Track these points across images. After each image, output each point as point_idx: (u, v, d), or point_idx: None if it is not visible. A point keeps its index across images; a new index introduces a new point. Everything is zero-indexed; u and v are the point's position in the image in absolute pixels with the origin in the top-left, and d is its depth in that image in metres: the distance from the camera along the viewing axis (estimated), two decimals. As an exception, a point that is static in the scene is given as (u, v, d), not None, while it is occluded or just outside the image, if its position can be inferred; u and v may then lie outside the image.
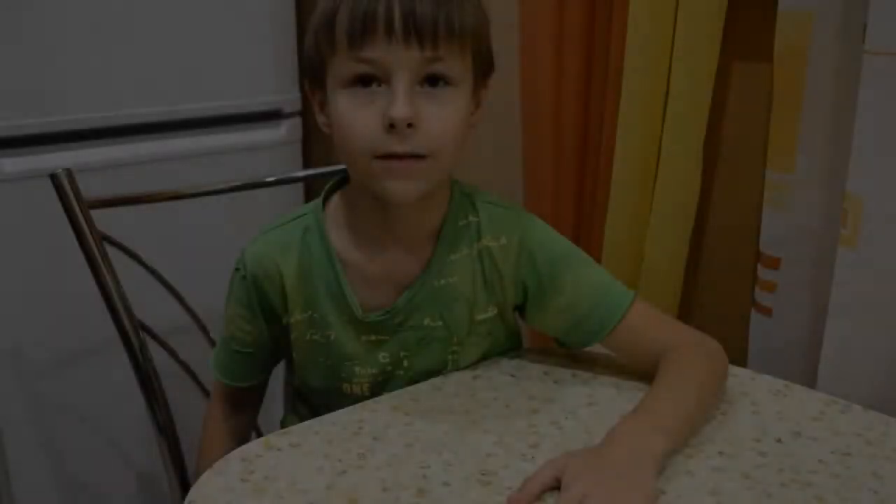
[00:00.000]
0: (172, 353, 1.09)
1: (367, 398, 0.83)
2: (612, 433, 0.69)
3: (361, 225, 0.81)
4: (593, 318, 0.82)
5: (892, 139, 0.83)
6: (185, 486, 0.98)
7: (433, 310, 0.82)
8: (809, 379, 0.99)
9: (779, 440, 0.73)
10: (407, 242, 0.81)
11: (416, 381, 0.84)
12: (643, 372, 0.84)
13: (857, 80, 0.84)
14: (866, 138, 0.84)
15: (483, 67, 0.78)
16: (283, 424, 0.95)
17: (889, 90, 0.82)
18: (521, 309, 0.87)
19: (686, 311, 1.22)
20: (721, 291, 1.21)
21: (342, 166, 1.04)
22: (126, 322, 0.96)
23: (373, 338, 0.82)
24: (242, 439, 0.94)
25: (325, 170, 1.18)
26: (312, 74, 0.78)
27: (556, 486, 0.65)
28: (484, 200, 0.84)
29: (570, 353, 0.91)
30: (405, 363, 0.83)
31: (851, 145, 0.86)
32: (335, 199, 0.84)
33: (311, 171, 1.21)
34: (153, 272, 1.09)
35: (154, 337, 1.05)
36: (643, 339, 0.82)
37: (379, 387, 0.84)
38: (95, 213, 0.98)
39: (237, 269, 0.85)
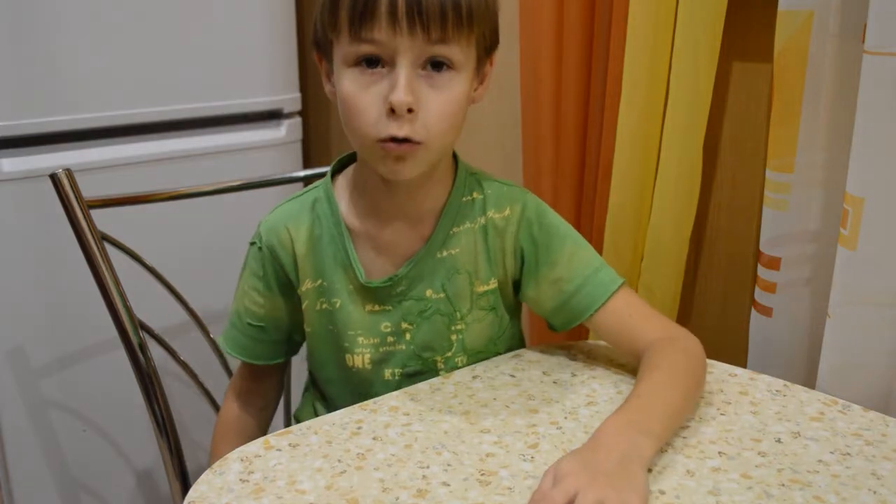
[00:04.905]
0: (172, 353, 1.09)
1: (369, 371, 0.85)
2: (599, 434, 0.68)
3: (368, 198, 0.84)
4: (582, 294, 0.84)
5: (892, 139, 0.83)
6: (185, 486, 0.98)
7: (435, 281, 0.84)
8: (809, 379, 0.99)
9: (779, 440, 0.73)
10: (412, 216, 0.84)
11: (418, 356, 0.86)
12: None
13: (857, 80, 0.84)
14: (866, 138, 0.84)
15: (488, 45, 0.79)
16: (299, 406, 0.98)
17: (889, 90, 0.82)
18: (517, 286, 0.89)
19: (686, 311, 1.22)
20: (721, 291, 1.21)
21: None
22: (126, 322, 0.96)
23: (376, 307, 0.85)
24: (257, 423, 0.96)
25: (324, 169, 1.18)
26: (319, 47, 0.80)
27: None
28: (491, 180, 0.87)
29: (569, 352, 0.91)
30: (406, 336, 0.85)
31: (851, 145, 0.86)
32: (343, 173, 0.88)
33: (310, 171, 1.21)
34: (153, 272, 1.10)
35: (154, 337, 1.05)
36: (626, 325, 0.84)
37: (380, 360, 0.86)
38: (95, 213, 0.98)
39: (253, 243, 0.88)
